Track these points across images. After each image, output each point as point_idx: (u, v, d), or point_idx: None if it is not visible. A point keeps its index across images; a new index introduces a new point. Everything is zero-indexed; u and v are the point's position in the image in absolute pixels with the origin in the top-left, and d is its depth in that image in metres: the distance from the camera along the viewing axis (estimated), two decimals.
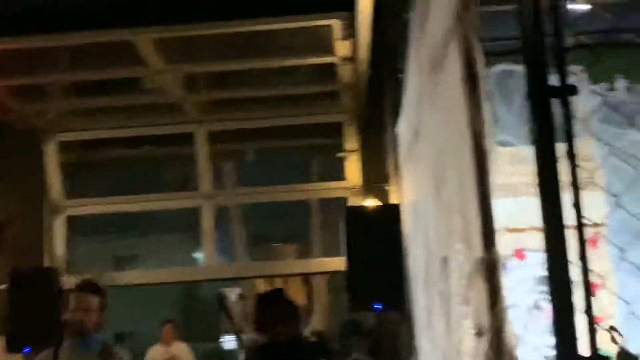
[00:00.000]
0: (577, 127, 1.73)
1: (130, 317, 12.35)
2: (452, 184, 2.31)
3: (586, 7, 4.86)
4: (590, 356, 1.56)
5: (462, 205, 2.16)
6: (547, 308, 4.87)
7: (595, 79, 4.93)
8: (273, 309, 3.70)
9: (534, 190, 5.20)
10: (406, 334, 5.00)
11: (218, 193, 7.20)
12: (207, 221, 6.88)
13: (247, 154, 8.22)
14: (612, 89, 5.29)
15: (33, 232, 6.71)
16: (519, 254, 4.97)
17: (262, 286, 12.76)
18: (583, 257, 1.64)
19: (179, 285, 15.50)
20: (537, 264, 4.61)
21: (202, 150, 6.82)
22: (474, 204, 1.98)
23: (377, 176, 6.38)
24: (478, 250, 1.96)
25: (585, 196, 1.73)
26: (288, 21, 4.99)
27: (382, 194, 6.08)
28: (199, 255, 12.26)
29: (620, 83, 5.33)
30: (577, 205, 1.72)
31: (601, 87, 5.15)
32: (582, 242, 1.65)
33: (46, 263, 6.62)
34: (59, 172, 6.79)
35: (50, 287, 5.95)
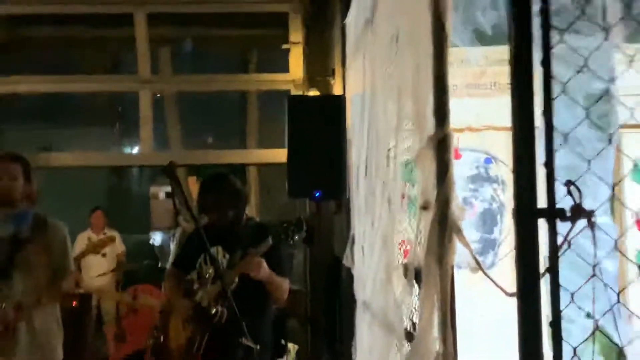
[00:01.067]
0: None
1: (57, 204, 12.21)
2: (406, 67, 2.35)
3: None
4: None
5: (415, 88, 2.21)
6: (476, 205, 5.06)
7: None
8: (218, 192, 3.67)
9: (475, 92, 5.26)
10: (342, 222, 5.15)
11: (156, 79, 7.06)
12: (145, 107, 6.78)
13: (185, 40, 8.04)
14: None
15: None
16: (455, 153, 5.12)
17: (193, 185, 12.76)
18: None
19: (108, 177, 15.37)
20: (470, 162, 4.78)
21: (141, 32, 6.62)
22: (429, 84, 2.03)
23: (320, 70, 6.38)
24: (430, 129, 2.03)
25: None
26: None
27: (325, 88, 6.11)
28: (128, 149, 12.13)
29: None
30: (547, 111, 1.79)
31: None
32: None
33: None
34: None
35: None
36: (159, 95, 9.47)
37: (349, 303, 4.63)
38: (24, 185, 3.56)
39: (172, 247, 7.31)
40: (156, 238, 13.54)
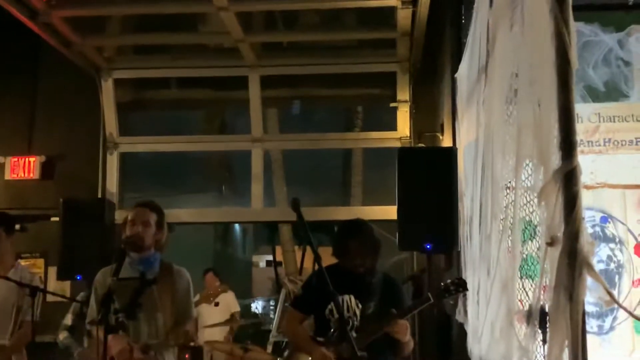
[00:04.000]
0: None
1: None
2: (526, 104, 2.34)
3: None
4: None
5: (537, 123, 2.19)
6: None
7: None
8: (360, 237, 3.63)
9: (588, 149, 5.01)
10: (452, 278, 5.06)
11: (266, 137, 7.28)
12: (256, 165, 6.99)
13: (293, 101, 8.26)
14: None
15: (88, 166, 6.88)
16: None
17: (297, 255, 12.84)
18: None
19: (214, 243, 15.77)
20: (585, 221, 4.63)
21: (255, 93, 6.88)
22: (553, 117, 2.01)
23: (428, 126, 6.41)
24: (555, 163, 2.00)
25: None
26: None
27: (433, 144, 6.11)
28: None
29: None
30: None
31: None
32: None
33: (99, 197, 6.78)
34: (114, 109, 6.93)
35: (103, 219, 6.12)
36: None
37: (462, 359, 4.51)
38: (155, 233, 3.74)
39: (277, 314, 7.43)
40: (258, 304, 13.76)
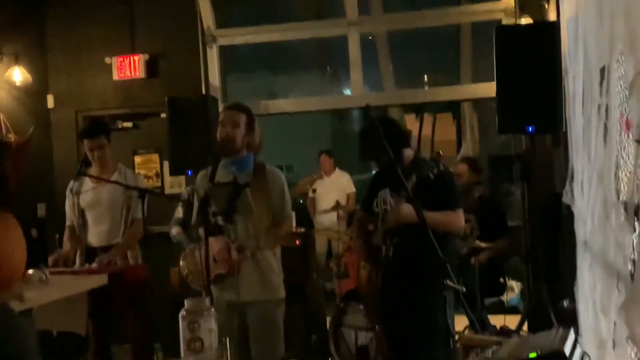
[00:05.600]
0: None
1: (284, 150, 12.86)
2: None
3: None
4: None
5: (627, 8, 1.98)
6: None
7: None
8: (368, 137, 3.77)
9: None
10: (561, 157, 4.86)
11: (364, 20, 7.06)
12: (354, 49, 6.83)
13: None
14: None
15: (189, 62, 6.96)
16: None
17: (412, 122, 12.78)
18: None
19: (331, 120, 15.90)
20: None
21: None
22: None
23: None
24: None
25: None
26: None
27: (539, 14, 5.72)
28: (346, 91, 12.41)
29: None
30: None
31: None
32: None
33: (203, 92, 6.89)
34: (209, 1, 6.89)
35: (207, 114, 6.25)
36: (370, 37, 9.52)
37: (570, 242, 4.40)
38: (245, 135, 3.76)
39: None
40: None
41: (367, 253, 3.88)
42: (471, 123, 11.13)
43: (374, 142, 3.56)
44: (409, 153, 3.85)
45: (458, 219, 3.80)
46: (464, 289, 3.09)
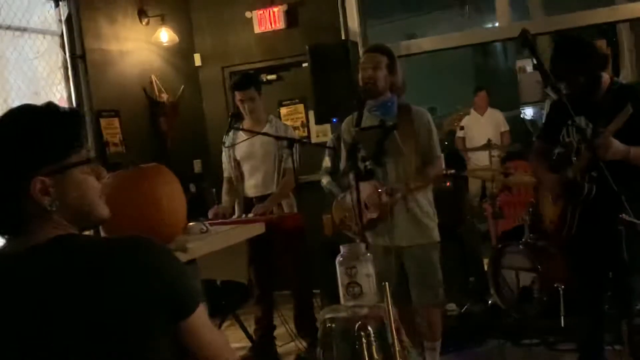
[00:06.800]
0: None
1: (425, 92, 12.60)
2: None
3: None
4: None
5: None
6: None
7: None
8: (564, 58, 3.29)
9: None
10: None
11: None
12: None
13: None
14: None
15: (327, 8, 6.88)
16: None
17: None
18: None
19: (469, 61, 15.34)
20: None
21: None
22: None
23: None
24: None
25: None
26: None
27: None
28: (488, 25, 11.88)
29: None
30: None
31: None
32: None
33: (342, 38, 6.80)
34: None
35: (349, 60, 6.17)
36: None
37: None
38: (387, 76, 3.66)
39: (543, 120, 7.02)
40: (527, 112, 13.23)
41: (564, 189, 3.45)
42: (629, 47, 10.31)
43: (569, 62, 3.27)
44: (606, 78, 3.40)
45: None
46: None
